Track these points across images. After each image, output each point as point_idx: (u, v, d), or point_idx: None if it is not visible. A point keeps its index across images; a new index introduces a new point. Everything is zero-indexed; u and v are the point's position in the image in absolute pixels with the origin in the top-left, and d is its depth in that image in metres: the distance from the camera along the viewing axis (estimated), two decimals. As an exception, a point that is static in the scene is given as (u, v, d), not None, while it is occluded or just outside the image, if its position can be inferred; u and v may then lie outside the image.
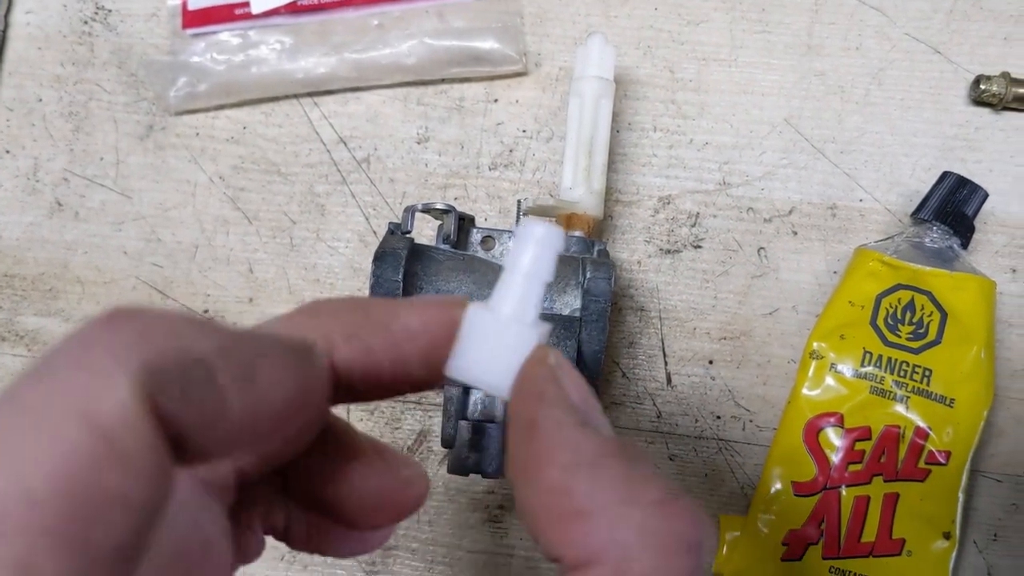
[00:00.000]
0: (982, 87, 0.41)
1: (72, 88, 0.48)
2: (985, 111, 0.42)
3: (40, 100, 0.49)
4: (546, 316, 0.36)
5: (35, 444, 0.14)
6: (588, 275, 0.37)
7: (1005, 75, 0.41)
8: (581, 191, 0.39)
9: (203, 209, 0.46)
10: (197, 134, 0.47)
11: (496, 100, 0.46)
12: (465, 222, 0.39)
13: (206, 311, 0.45)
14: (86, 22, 0.49)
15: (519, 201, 0.40)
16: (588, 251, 0.39)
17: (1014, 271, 0.41)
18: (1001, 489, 0.40)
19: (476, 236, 0.39)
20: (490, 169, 0.45)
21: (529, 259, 0.22)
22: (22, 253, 0.47)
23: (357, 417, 0.43)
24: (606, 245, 0.39)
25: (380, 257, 0.35)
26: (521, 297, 0.22)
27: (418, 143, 0.46)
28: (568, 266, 0.37)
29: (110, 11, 0.49)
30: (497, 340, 0.21)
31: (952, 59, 0.43)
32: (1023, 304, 0.41)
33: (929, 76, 0.43)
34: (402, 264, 0.35)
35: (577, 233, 0.39)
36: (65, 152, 0.48)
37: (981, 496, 0.40)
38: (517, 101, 0.45)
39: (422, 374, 0.21)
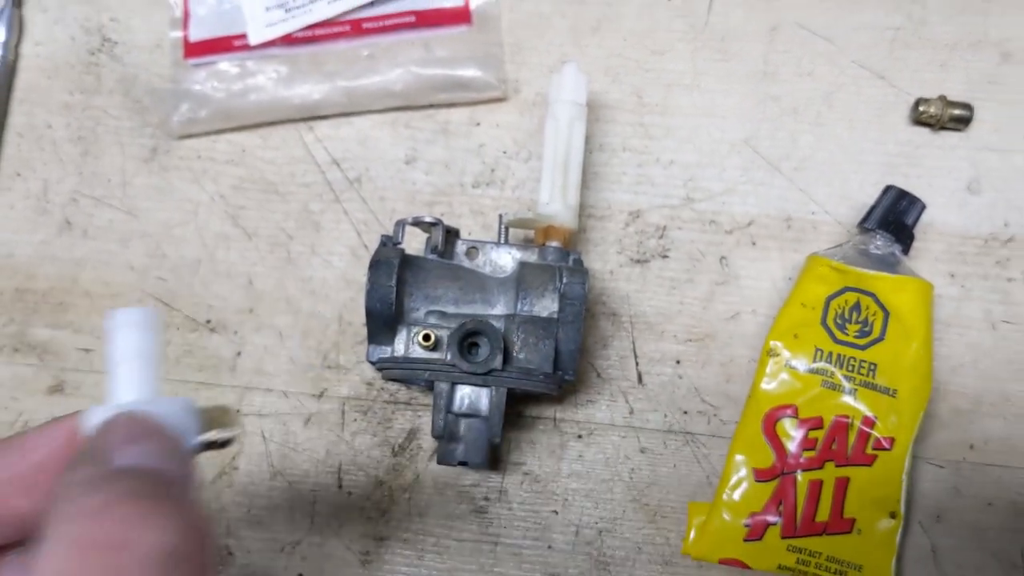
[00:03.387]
0: (921, 109, 0.45)
1: (80, 114, 0.52)
2: (924, 131, 0.47)
3: (50, 126, 0.52)
4: (526, 319, 0.40)
5: None
6: (564, 281, 0.40)
7: (942, 98, 0.46)
8: (557, 206, 0.43)
9: (205, 226, 0.50)
10: (199, 157, 0.51)
11: (478, 123, 0.49)
12: (451, 234, 0.43)
13: (208, 321, 0.48)
14: (93, 53, 0.52)
15: (500, 215, 0.44)
16: (564, 260, 0.42)
17: (952, 276, 0.45)
18: (943, 475, 0.43)
19: (461, 247, 0.43)
20: (473, 187, 0.49)
21: (123, 345, 0.25)
22: (33, 269, 0.50)
23: (352, 418, 0.46)
24: (580, 255, 0.43)
25: (375, 265, 0.39)
26: (128, 381, 0.25)
27: (406, 163, 0.49)
28: (546, 273, 0.41)
29: (116, 43, 0.52)
30: None
31: (894, 84, 0.47)
32: (960, 306, 0.45)
33: (874, 99, 0.47)
34: (395, 272, 0.39)
35: (554, 244, 0.43)
36: (74, 174, 0.51)
37: (925, 481, 0.43)
38: (498, 124, 0.49)
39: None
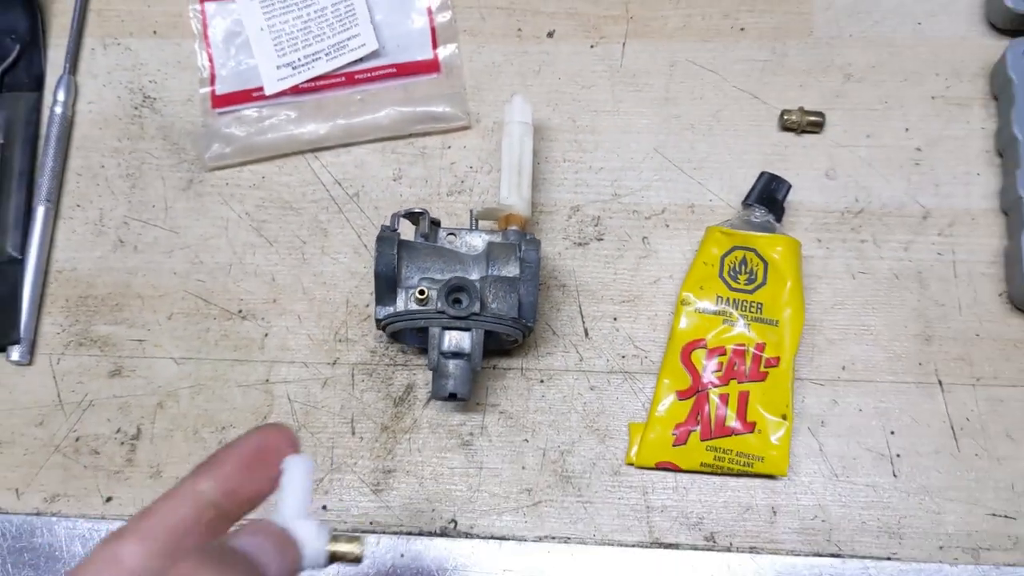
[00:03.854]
0: (785, 117, 0.60)
1: (128, 156, 0.64)
2: (790, 135, 0.61)
3: (103, 167, 0.64)
4: (496, 278, 0.53)
5: None
6: (523, 249, 0.53)
7: (801, 109, 0.60)
8: (514, 198, 0.56)
9: (234, 238, 0.62)
10: (227, 184, 0.63)
11: (449, 147, 0.63)
12: (434, 224, 0.56)
13: (240, 311, 0.60)
14: (136, 108, 0.65)
15: (471, 211, 0.57)
16: (522, 239, 0.55)
17: (819, 240, 0.59)
18: (823, 391, 0.56)
19: (443, 233, 0.56)
20: (448, 195, 0.62)
21: (289, 479, 0.34)
22: (93, 279, 0.62)
23: (360, 379, 0.58)
24: (538, 244, 0.56)
25: (380, 240, 0.52)
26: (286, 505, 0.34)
27: (394, 180, 0.62)
28: (509, 246, 0.54)
29: (155, 99, 0.66)
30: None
31: (765, 101, 0.62)
32: (826, 263, 0.58)
33: (751, 113, 0.62)
34: (396, 244, 0.52)
35: (514, 228, 0.56)
36: (124, 203, 0.63)
37: (810, 397, 0.56)
38: (464, 147, 0.63)
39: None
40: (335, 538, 0.35)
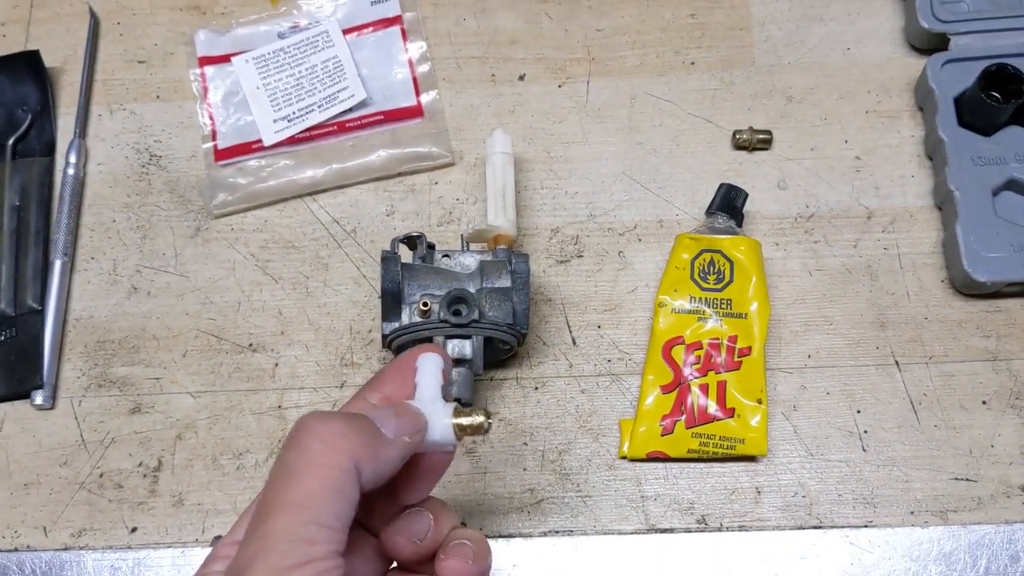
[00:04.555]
0: (737, 137, 0.67)
1: (138, 210, 0.69)
2: (743, 153, 0.68)
3: (114, 221, 0.69)
4: (490, 289, 0.58)
5: (323, 479, 0.35)
6: (513, 263, 0.59)
7: (750, 128, 0.67)
8: (501, 220, 0.62)
9: (241, 278, 0.67)
10: (232, 229, 0.68)
11: (436, 183, 0.69)
12: (430, 247, 0.61)
13: (250, 344, 0.65)
14: (143, 166, 0.71)
15: (462, 235, 0.62)
16: (510, 256, 0.60)
17: (776, 244, 0.65)
18: (793, 378, 0.62)
19: (438, 255, 0.61)
20: (438, 226, 0.67)
21: (423, 370, 0.43)
22: (110, 324, 0.66)
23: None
24: (527, 258, 0.61)
25: (384, 260, 0.57)
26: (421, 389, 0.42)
27: (387, 216, 0.68)
28: (500, 262, 0.59)
29: (160, 156, 0.71)
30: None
31: (718, 124, 0.68)
32: (785, 263, 0.64)
33: (706, 136, 0.68)
34: (399, 262, 0.57)
35: (502, 247, 0.61)
36: (136, 253, 0.68)
37: (781, 384, 0.61)
38: (450, 181, 0.68)
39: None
40: (459, 412, 0.41)
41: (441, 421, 0.41)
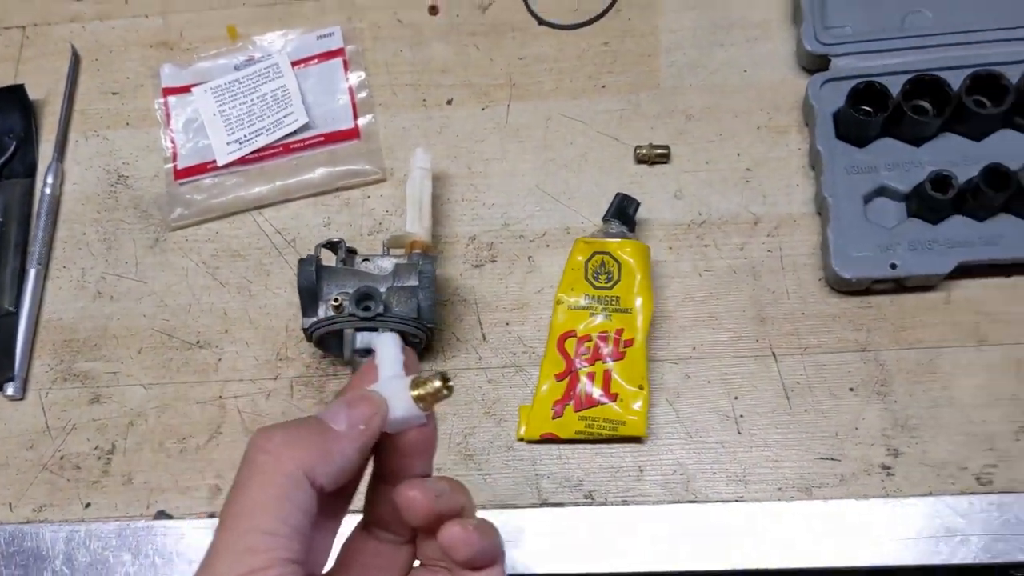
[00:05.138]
0: (638, 152, 0.73)
1: (105, 224, 0.78)
2: (644, 166, 0.74)
3: (84, 234, 0.77)
4: (399, 288, 0.65)
5: (265, 488, 0.35)
6: (421, 264, 0.65)
7: (650, 144, 0.73)
8: (417, 227, 0.69)
9: (193, 283, 0.75)
10: (187, 240, 0.76)
11: (369, 196, 0.76)
12: (351, 252, 0.68)
13: (197, 342, 0.72)
14: (112, 185, 0.79)
15: (383, 241, 0.70)
16: (420, 258, 0.67)
17: (670, 248, 0.71)
18: (677, 368, 0.67)
19: (359, 259, 0.68)
20: (368, 235, 0.75)
21: (382, 348, 0.42)
22: (76, 325, 0.74)
23: (298, 390, 0.70)
24: (434, 260, 0.68)
25: (301, 261, 0.64)
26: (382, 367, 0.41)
27: (324, 227, 0.75)
28: (411, 264, 0.66)
29: (127, 177, 0.79)
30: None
31: (624, 142, 0.75)
32: (677, 265, 0.70)
33: (612, 152, 0.75)
34: (314, 262, 0.64)
35: (417, 251, 0.68)
36: (102, 262, 0.76)
37: (667, 375, 0.67)
38: (381, 195, 0.76)
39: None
40: (416, 383, 0.39)
41: (401, 396, 0.39)
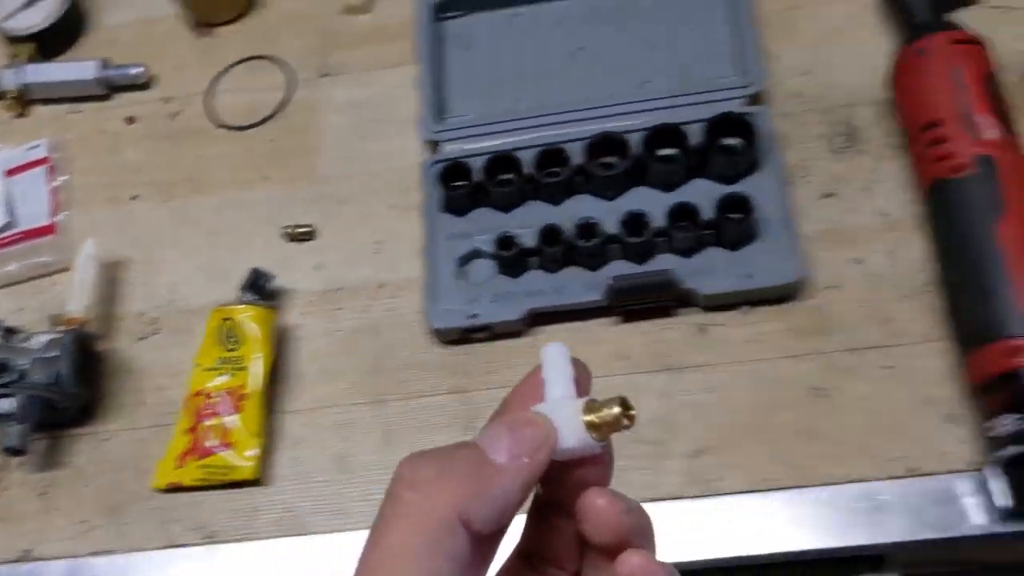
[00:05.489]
0: (284, 231, 0.84)
1: None
2: (294, 244, 0.84)
3: None
4: (42, 359, 0.73)
5: (415, 536, 0.30)
6: (64, 340, 0.74)
7: (294, 224, 0.84)
8: (74, 306, 0.78)
9: None
10: None
11: (56, 284, 0.86)
12: (10, 331, 0.77)
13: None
14: None
15: (49, 317, 0.79)
16: (70, 334, 0.76)
17: (308, 313, 0.81)
18: (302, 417, 0.76)
19: (20, 336, 0.77)
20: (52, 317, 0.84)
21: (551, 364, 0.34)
22: None
23: None
24: (80, 333, 0.77)
25: None
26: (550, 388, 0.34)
27: (16, 312, 0.85)
28: (59, 338, 0.75)
29: None
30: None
31: (280, 224, 0.86)
32: (311, 328, 0.80)
33: (268, 233, 0.85)
34: None
35: (73, 327, 0.77)
36: None
37: (291, 425, 0.76)
38: (62, 283, 0.85)
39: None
40: (590, 408, 0.33)
41: (572, 422, 0.32)
